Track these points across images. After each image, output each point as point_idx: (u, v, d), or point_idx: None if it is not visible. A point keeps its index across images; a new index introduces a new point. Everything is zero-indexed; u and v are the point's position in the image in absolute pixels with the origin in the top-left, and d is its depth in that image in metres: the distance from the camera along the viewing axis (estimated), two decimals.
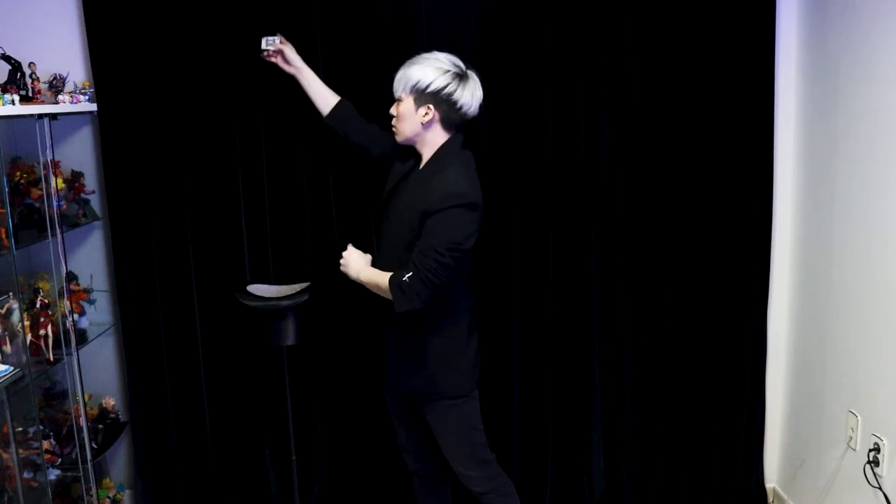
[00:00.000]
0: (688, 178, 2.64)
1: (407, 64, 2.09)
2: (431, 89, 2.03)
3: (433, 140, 2.11)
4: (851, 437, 2.38)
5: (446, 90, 2.04)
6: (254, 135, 2.60)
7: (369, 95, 2.55)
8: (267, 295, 2.50)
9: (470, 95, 2.07)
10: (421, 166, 2.14)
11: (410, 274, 1.99)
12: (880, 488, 2.25)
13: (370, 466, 2.81)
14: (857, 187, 2.32)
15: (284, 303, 2.42)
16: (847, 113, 2.34)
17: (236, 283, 2.62)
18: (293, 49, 2.37)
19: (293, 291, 2.49)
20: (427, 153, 2.13)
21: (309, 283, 2.53)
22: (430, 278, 1.98)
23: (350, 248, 2.21)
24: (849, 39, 2.31)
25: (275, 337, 2.47)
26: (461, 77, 2.06)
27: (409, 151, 2.19)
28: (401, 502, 2.79)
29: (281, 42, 2.34)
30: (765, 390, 2.82)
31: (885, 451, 2.23)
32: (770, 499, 2.92)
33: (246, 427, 2.79)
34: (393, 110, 2.13)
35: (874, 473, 2.27)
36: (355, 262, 2.17)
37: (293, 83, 2.39)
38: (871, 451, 2.27)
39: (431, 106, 2.05)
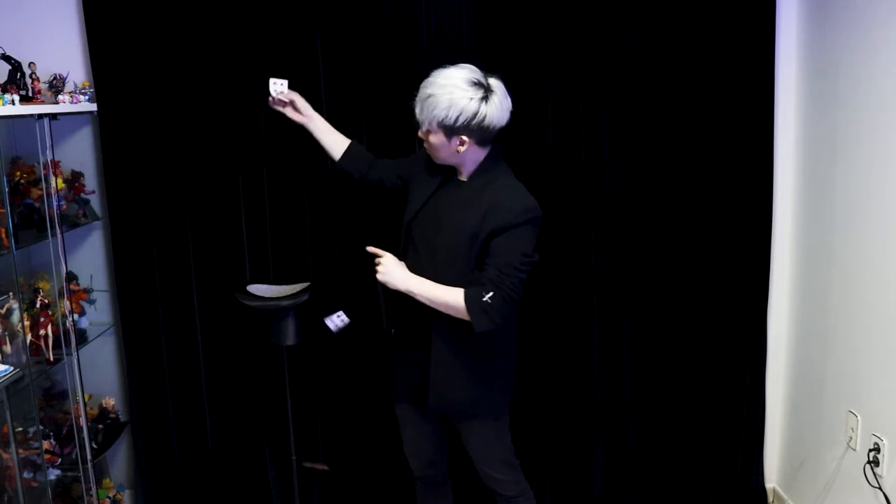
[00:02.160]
0: (687, 178, 2.64)
1: (426, 94, 1.93)
2: (461, 123, 1.91)
3: (474, 158, 2.03)
4: (851, 437, 2.38)
5: (476, 119, 1.92)
6: (254, 135, 2.60)
7: (370, 96, 2.55)
8: (267, 295, 2.50)
9: (498, 109, 1.95)
10: (463, 178, 2.06)
11: (492, 294, 1.91)
12: (880, 488, 2.24)
13: (370, 467, 2.81)
14: (857, 186, 2.32)
15: (284, 303, 2.42)
16: (847, 113, 2.34)
17: (236, 283, 2.62)
18: (303, 98, 2.33)
19: (293, 291, 2.49)
20: (469, 168, 2.05)
21: (309, 283, 2.53)
22: (512, 296, 1.93)
23: (386, 254, 2.05)
24: (849, 39, 2.31)
25: (275, 337, 2.47)
26: (486, 97, 1.92)
27: (435, 164, 2.11)
28: (401, 502, 2.79)
29: (289, 91, 2.30)
30: (765, 390, 2.82)
31: (885, 451, 2.23)
32: (770, 499, 2.92)
33: (246, 427, 2.79)
34: (422, 135, 2.02)
35: (874, 473, 2.27)
36: (398, 270, 2.04)
37: (294, 84, 2.38)
38: (871, 451, 2.27)
39: (465, 136, 1.95)
